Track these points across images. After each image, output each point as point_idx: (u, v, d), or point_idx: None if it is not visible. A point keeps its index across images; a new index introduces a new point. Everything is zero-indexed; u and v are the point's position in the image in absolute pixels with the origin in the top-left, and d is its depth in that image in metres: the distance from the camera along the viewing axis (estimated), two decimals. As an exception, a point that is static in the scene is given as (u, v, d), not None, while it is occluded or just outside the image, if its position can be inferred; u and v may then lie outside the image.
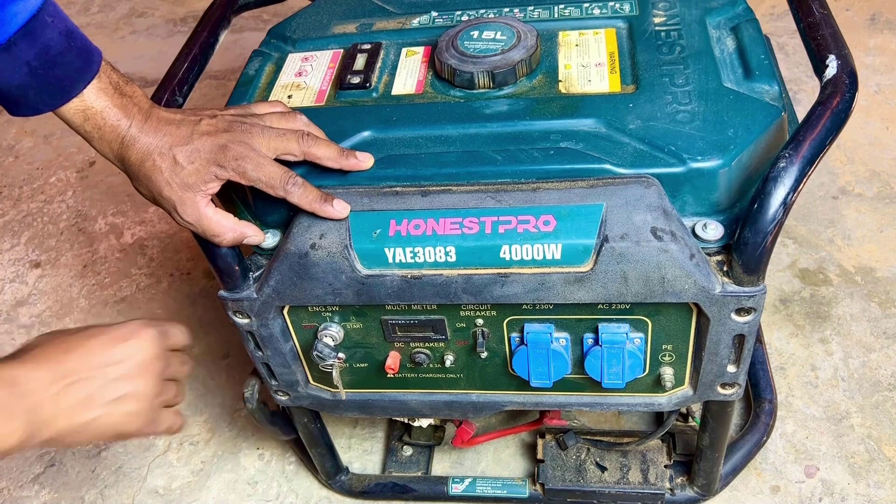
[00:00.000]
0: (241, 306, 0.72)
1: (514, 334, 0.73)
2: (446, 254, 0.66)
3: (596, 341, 0.71)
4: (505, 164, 0.68)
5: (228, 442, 1.13)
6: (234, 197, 0.78)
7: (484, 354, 0.76)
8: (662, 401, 0.77)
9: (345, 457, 1.07)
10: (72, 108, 0.61)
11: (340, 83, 0.79)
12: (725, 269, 0.65)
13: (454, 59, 0.76)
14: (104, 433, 0.61)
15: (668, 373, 0.74)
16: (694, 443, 0.92)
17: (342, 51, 0.85)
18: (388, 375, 0.79)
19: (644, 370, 0.74)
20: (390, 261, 0.67)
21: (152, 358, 0.64)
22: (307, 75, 0.82)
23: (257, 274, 0.72)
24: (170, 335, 0.67)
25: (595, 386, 0.75)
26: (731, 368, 0.72)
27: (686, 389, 0.77)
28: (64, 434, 0.59)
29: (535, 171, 0.67)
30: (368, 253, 0.67)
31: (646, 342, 0.72)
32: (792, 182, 0.60)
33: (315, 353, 0.74)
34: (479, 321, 0.73)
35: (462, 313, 0.73)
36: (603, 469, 0.94)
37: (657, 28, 0.80)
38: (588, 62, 0.77)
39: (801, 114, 0.68)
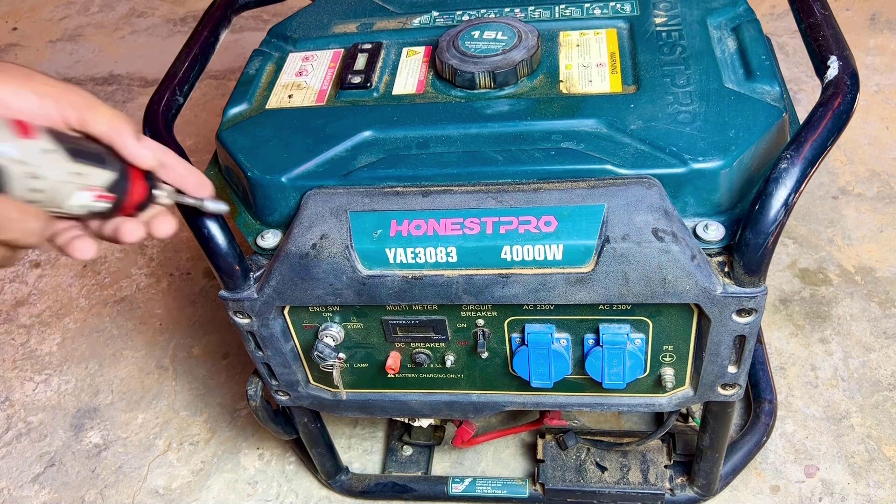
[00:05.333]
0: (242, 306, 0.72)
1: (515, 335, 0.73)
2: (447, 254, 0.66)
3: (597, 342, 0.71)
4: (506, 164, 0.68)
5: (228, 442, 1.13)
6: (235, 197, 0.78)
7: (485, 355, 0.76)
8: (663, 401, 0.77)
9: (345, 457, 1.07)
10: None
11: (341, 83, 0.79)
12: (726, 269, 0.65)
13: (455, 59, 0.76)
14: None
15: (668, 373, 0.74)
16: (694, 443, 0.92)
17: (343, 50, 0.85)
18: (389, 375, 0.79)
19: (645, 371, 0.74)
20: (391, 261, 0.67)
21: None
22: (308, 75, 0.82)
23: (258, 274, 0.72)
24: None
25: (596, 386, 0.75)
26: (731, 369, 0.72)
27: (686, 390, 0.77)
28: None
29: (537, 171, 0.67)
30: (369, 253, 0.67)
31: (646, 343, 0.72)
32: (793, 183, 0.60)
33: (315, 353, 0.74)
34: (480, 321, 0.73)
35: (463, 314, 0.73)
36: (603, 469, 0.94)
37: (658, 28, 0.80)
38: (589, 62, 0.77)
39: (801, 114, 0.68)
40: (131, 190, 0.55)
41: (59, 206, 0.51)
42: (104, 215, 0.55)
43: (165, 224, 0.60)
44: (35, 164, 0.48)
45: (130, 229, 0.57)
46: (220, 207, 0.64)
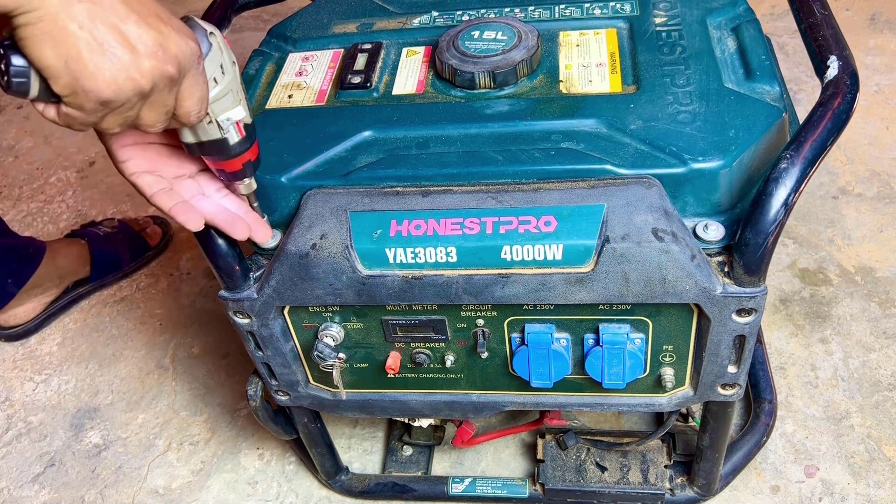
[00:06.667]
0: (242, 306, 0.72)
1: (515, 335, 0.73)
2: (447, 254, 0.66)
3: (597, 342, 0.71)
4: (506, 164, 0.68)
5: (228, 442, 1.13)
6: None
7: (484, 355, 0.76)
8: (663, 401, 0.77)
9: (345, 457, 1.07)
10: None
11: (341, 83, 0.79)
12: (726, 269, 0.65)
13: (455, 59, 0.76)
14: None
15: (668, 373, 0.74)
16: (694, 443, 0.92)
17: (343, 50, 0.85)
18: (389, 375, 0.79)
19: (644, 371, 0.74)
20: (391, 261, 0.67)
21: (183, 62, 0.51)
22: (308, 75, 0.82)
23: (258, 274, 0.72)
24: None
25: (595, 386, 0.75)
26: (731, 369, 0.72)
27: (686, 390, 0.77)
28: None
29: (536, 171, 0.67)
30: (369, 253, 0.67)
31: (646, 343, 0.72)
32: (793, 183, 0.60)
33: (315, 353, 0.74)
34: (480, 321, 0.73)
35: (463, 314, 0.73)
36: (603, 469, 0.94)
37: (658, 28, 0.80)
38: (589, 62, 0.77)
39: (801, 114, 0.68)
40: (253, 146, 0.63)
41: (217, 107, 0.58)
42: (222, 150, 0.61)
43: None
44: (226, 61, 0.58)
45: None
46: (274, 236, 0.72)
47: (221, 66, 0.57)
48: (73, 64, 0.46)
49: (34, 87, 0.47)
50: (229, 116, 0.59)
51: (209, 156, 0.62)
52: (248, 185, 0.66)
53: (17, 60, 0.46)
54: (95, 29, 0.46)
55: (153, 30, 0.49)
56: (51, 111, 0.50)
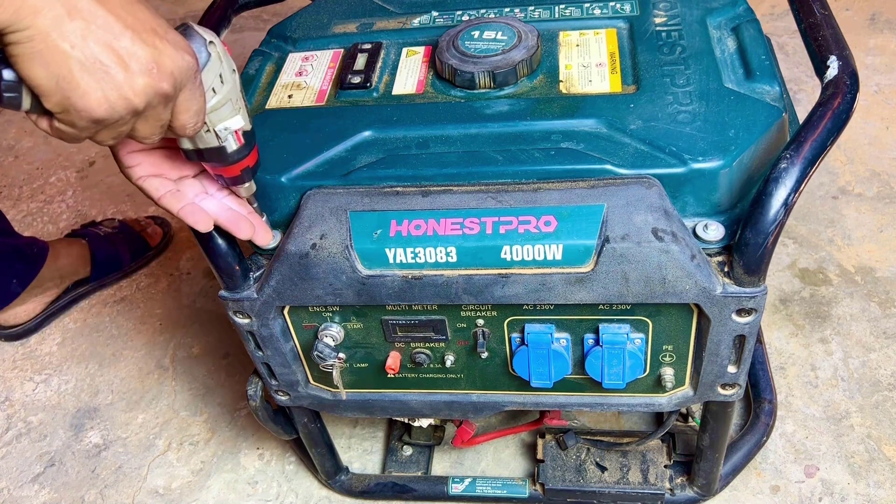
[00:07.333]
0: (242, 306, 0.72)
1: (515, 335, 0.73)
2: (447, 254, 0.66)
3: (597, 342, 0.71)
4: (506, 164, 0.68)
5: (228, 442, 1.13)
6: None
7: (484, 355, 0.76)
8: (663, 401, 0.77)
9: (345, 457, 1.07)
10: None
11: (341, 83, 0.79)
12: (726, 269, 0.65)
13: (455, 59, 0.76)
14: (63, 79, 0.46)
15: (668, 373, 0.74)
16: (694, 443, 0.92)
17: (342, 50, 0.85)
18: (389, 375, 0.79)
19: (644, 370, 0.74)
20: (391, 261, 0.67)
21: (179, 77, 0.50)
22: (307, 75, 0.82)
23: (258, 274, 0.72)
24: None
25: (595, 386, 0.75)
26: (731, 369, 0.72)
27: (686, 390, 0.77)
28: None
29: (536, 171, 0.67)
30: (369, 253, 0.67)
31: (646, 342, 0.72)
32: (793, 183, 0.60)
33: (315, 353, 0.74)
34: (480, 321, 0.73)
35: (463, 313, 0.73)
36: (603, 469, 0.94)
37: (658, 28, 0.80)
38: (589, 62, 0.77)
39: (801, 114, 0.68)
40: (252, 153, 0.63)
41: (214, 117, 0.58)
42: (220, 158, 0.61)
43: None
44: (226, 70, 0.57)
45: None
46: (274, 237, 0.72)
47: (220, 76, 0.56)
48: (65, 83, 0.45)
49: (26, 102, 0.47)
50: (227, 126, 0.59)
51: (207, 162, 0.61)
52: (248, 188, 0.66)
53: (7, 75, 0.46)
54: (88, 48, 0.45)
55: (148, 46, 0.48)
56: (44, 123, 0.49)
